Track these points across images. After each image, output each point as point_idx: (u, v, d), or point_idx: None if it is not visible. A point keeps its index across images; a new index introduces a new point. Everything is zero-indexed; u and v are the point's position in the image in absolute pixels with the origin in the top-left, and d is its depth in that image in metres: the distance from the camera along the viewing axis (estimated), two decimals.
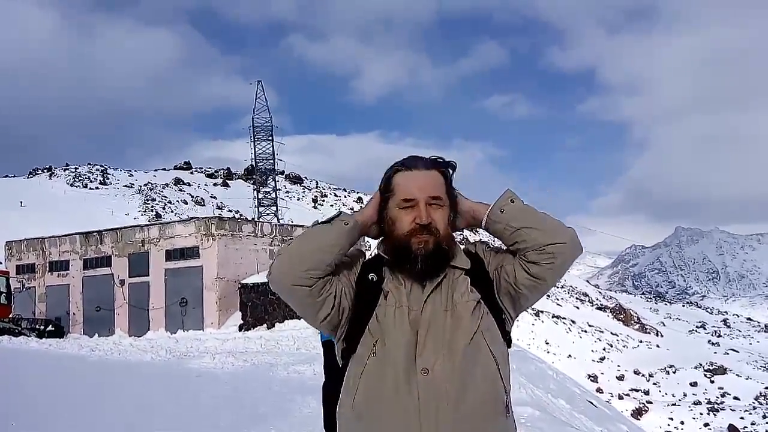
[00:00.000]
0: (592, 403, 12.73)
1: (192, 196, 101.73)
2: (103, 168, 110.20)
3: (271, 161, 58.27)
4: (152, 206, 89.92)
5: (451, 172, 1.78)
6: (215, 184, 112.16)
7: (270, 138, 57.72)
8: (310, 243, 1.65)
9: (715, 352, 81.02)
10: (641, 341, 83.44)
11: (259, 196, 58.86)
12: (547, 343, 74.65)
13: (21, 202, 73.59)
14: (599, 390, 58.31)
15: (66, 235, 30.26)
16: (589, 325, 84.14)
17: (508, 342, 1.74)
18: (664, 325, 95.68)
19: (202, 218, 28.04)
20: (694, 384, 69.28)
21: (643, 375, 72.48)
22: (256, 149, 57.49)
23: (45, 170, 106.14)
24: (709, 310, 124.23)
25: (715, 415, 58.78)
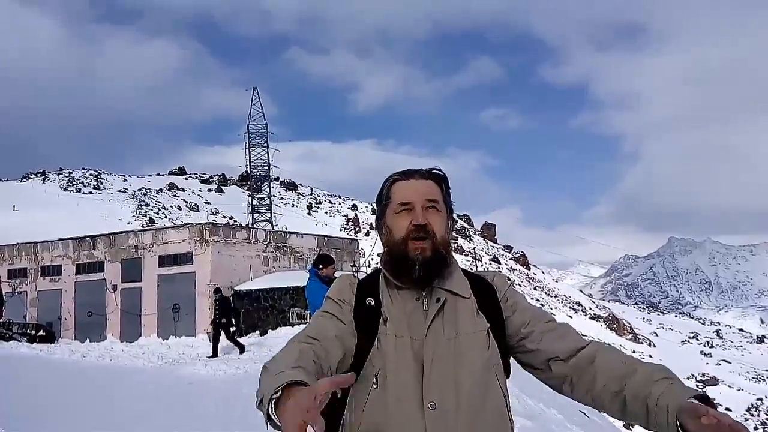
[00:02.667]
0: (584, 413, 12.72)
1: (186, 202, 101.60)
2: (97, 173, 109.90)
3: (266, 168, 58.28)
4: (146, 211, 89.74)
5: (446, 182, 1.76)
6: (209, 190, 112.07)
7: (265, 144, 57.77)
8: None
9: (708, 363, 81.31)
10: (634, 351, 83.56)
11: (254, 203, 58.83)
12: None
13: (14, 206, 73.30)
14: None
15: (59, 240, 30.12)
16: (582, 335, 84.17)
17: (508, 372, 1.69)
18: (656, 335, 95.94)
19: (196, 224, 27.96)
20: None
21: None
22: (251, 156, 57.51)
23: (38, 174, 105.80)
24: (701, 320, 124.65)
25: None
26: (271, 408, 1.23)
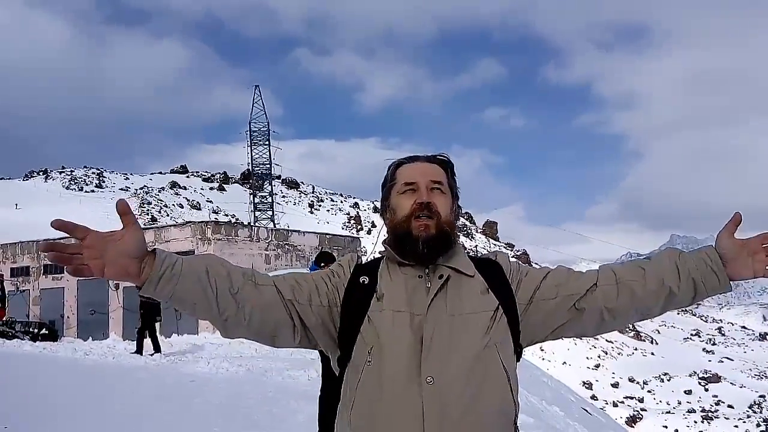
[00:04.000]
0: (586, 410, 12.73)
1: (188, 200, 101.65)
2: (98, 171, 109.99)
3: (268, 166, 58.25)
4: (148, 210, 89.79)
5: (451, 168, 1.76)
6: (211, 188, 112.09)
7: (267, 143, 57.71)
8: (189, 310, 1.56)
9: (710, 360, 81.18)
10: (636, 349, 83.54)
11: (256, 201, 58.81)
12: (542, 350, 74.69)
13: (16, 205, 73.41)
14: (594, 397, 58.32)
15: (61, 239, 29.97)
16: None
17: (518, 354, 1.65)
18: (659, 332, 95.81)
19: (198, 222, 27.97)
20: (688, 392, 69.35)
21: (637, 382, 72.52)
22: (253, 154, 57.47)
23: (40, 173, 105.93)
24: (703, 318, 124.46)
25: (709, 423, 58.83)
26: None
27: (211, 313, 1.55)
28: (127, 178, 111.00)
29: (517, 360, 1.65)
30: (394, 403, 1.49)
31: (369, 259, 1.78)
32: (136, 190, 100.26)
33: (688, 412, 62.98)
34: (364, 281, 1.64)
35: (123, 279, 1.46)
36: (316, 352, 5.61)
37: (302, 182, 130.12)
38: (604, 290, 1.62)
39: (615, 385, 71.45)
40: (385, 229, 1.73)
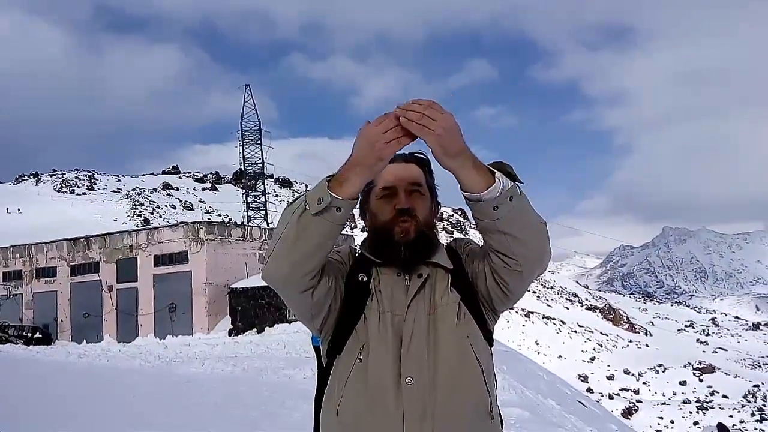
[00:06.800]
0: (582, 403, 12.77)
1: (180, 201, 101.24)
2: (90, 173, 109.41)
3: (260, 165, 58.09)
4: (140, 211, 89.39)
5: (429, 166, 1.74)
6: (204, 189, 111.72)
7: (259, 142, 57.55)
8: (304, 244, 1.48)
9: (704, 351, 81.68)
10: (631, 341, 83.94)
11: (248, 200, 58.64)
12: (538, 344, 74.92)
13: (7, 209, 72.96)
14: (589, 390, 58.58)
15: (53, 242, 29.99)
16: (579, 326, 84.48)
17: (490, 342, 1.68)
18: (653, 324, 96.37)
19: (191, 223, 27.89)
20: (683, 383, 69.76)
21: (632, 374, 72.88)
22: (245, 153, 57.31)
23: (31, 176, 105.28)
24: (697, 309, 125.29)
25: (704, 413, 59.17)
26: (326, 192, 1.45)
27: (314, 261, 1.52)
28: (119, 180, 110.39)
29: (490, 345, 1.68)
30: (377, 402, 1.54)
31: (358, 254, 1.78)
32: (128, 191, 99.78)
33: (683, 402, 63.38)
34: (362, 278, 1.66)
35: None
36: (312, 350, 5.59)
37: (295, 181, 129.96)
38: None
39: (610, 378, 71.79)
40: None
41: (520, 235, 1.51)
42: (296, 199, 1.54)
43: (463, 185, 1.49)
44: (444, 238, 1.70)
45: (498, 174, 1.47)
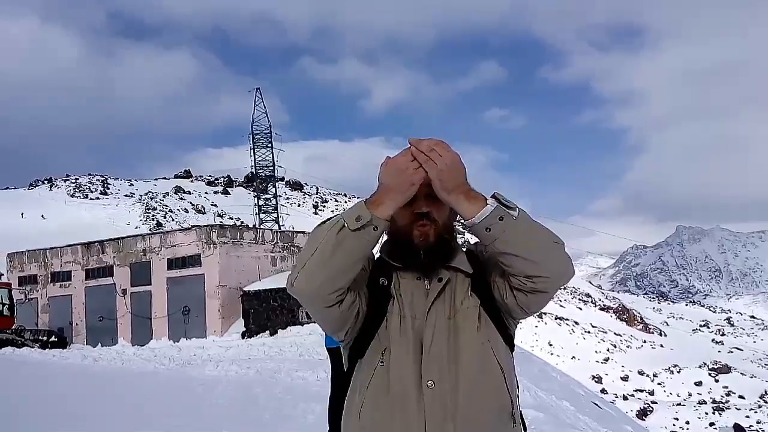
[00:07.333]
0: (596, 404, 12.71)
1: (193, 205, 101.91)
2: (103, 178, 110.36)
3: (271, 168, 58.30)
4: (153, 215, 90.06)
5: None
6: (216, 192, 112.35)
7: (269, 145, 57.76)
8: (339, 260, 1.51)
9: (719, 351, 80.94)
10: (645, 341, 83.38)
11: (260, 203, 58.87)
12: (551, 345, 74.59)
13: (22, 214, 73.74)
14: (604, 391, 58.20)
15: (67, 246, 30.28)
16: (593, 326, 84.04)
17: (511, 346, 1.70)
18: (667, 324, 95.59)
19: (203, 226, 28.06)
20: (698, 383, 69.20)
21: (647, 375, 72.41)
22: (256, 156, 57.54)
23: (45, 181, 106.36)
24: (712, 308, 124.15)
25: (720, 414, 58.64)
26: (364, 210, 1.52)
27: (345, 278, 1.56)
28: (132, 184, 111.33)
29: (511, 350, 1.70)
30: (398, 406, 1.56)
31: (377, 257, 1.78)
32: (141, 195, 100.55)
33: (699, 403, 62.83)
34: (383, 282, 1.67)
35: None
36: (326, 352, 5.59)
37: (306, 183, 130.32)
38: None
39: (625, 379, 71.36)
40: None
41: (527, 256, 1.55)
42: (329, 219, 1.59)
43: (460, 215, 1.61)
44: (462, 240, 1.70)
45: (490, 200, 1.56)
